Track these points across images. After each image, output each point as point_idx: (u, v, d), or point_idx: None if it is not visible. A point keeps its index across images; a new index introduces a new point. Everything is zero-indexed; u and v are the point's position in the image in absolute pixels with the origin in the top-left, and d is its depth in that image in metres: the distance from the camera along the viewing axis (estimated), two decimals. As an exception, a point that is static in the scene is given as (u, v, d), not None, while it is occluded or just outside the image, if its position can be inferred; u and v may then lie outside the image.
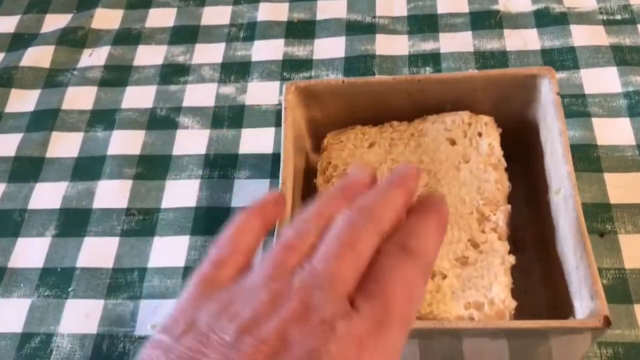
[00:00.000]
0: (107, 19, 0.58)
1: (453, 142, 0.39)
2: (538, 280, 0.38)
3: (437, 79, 0.39)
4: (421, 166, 0.38)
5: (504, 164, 0.38)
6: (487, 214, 0.36)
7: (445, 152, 0.38)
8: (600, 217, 0.42)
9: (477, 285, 0.33)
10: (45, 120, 0.52)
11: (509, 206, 0.36)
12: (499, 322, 0.31)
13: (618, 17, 0.51)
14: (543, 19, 0.52)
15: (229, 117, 0.50)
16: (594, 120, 0.46)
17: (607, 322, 0.29)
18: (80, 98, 0.53)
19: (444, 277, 0.34)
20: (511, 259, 0.34)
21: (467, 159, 0.38)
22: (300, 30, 0.55)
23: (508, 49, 0.51)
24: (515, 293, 0.37)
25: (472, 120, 0.39)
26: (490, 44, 0.51)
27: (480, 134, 0.39)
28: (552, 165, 0.36)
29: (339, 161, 0.39)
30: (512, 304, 0.33)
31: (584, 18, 0.52)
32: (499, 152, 0.38)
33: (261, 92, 0.51)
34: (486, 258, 0.34)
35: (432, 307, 0.33)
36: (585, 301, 0.31)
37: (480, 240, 0.35)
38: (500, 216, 0.36)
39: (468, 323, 0.31)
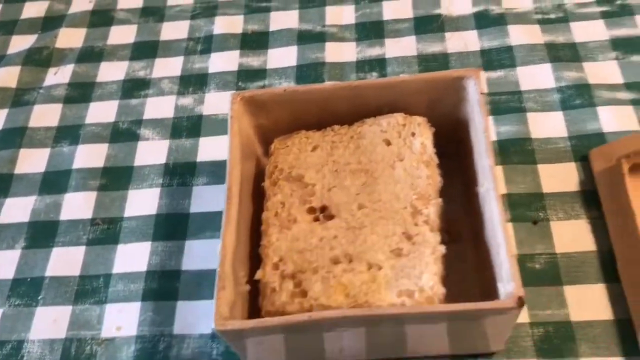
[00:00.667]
0: (70, 37, 0.61)
1: (388, 143, 0.41)
2: (473, 267, 0.41)
3: (372, 84, 0.42)
4: (359, 166, 0.41)
5: (435, 160, 0.40)
6: (419, 208, 0.39)
7: (382, 152, 0.41)
8: (533, 206, 0.44)
9: (409, 275, 0.36)
10: (13, 138, 0.54)
11: (440, 200, 0.39)
12: (423, 307, 0.34)
13: (552, 16, 0.54)
14: (482, 21, 0.55)
15: (187, 127, 0.53)
16: (529, 115, 0.49)
17: (521, 302, 0.32)
18: (46, 115, 0.55)
19: (380, 268, 0.36)
20: (441, 249, 0.37)
21: (401, 157, 0.41)
22: (255, 41, 0.57)
23: (449, 51, 0.53)
24: (452, 280, 0.39)
25: (406, 122, 0.42)
26: (433, 47, 0.54)
27: (413, 134, 0.41)
28: (477, 161, 0.39)
29: (285, 165, 0.42)
30: (441, 290, 0.35)
31: (521, 18, 0.54)
32: (430, 149, 0.41)
33: (218, 102, 0.54)
34: (418, 249, 0.37)
35: (367, 297, 0.35)
36: (505, 284, 0.34)
37: (413, 232, 0.38)
38: (431, 209, 0.38)
39: (396, 309, 0.34)
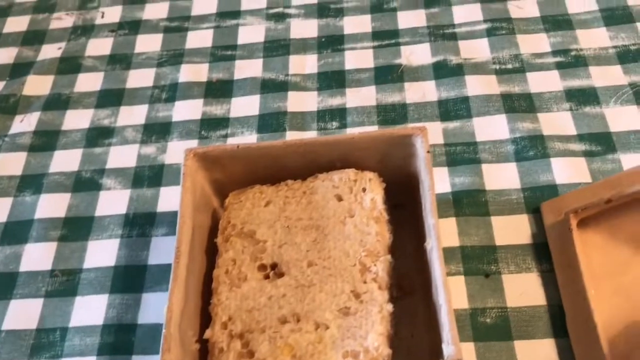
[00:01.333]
0: (38, 85, 0.61)
1: (340, 198, 0.42)
2: (423, 324, 0.41)
3: (323, 141, 0.43)
4: (310, 222, 0.41)
5: (385, 217, 0.41)
6: (368, 265, 0.39)
7: (333, 207, 0.42)
8: (486, 259, 0.45)
9: (355, 335, 0.36)
10: (-24, 187, 0.55)
11: (389, 256, 0.39)
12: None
13: (509, 66, 0.55)
14: (441, 71, 0.56)
15: (149, 176, 0.53)
16: (484, 166, 0.50)
17: (459, 366, 0.32)
18: (10, 164, 0.56)
19: (327, 328, 0.37)
20: (389, 307, 0.37)
21: (352, 213, 0.41)
22: (219, 89, 0.58)
23: (408, 101, 0.54)
24: (401, 337, 0.40)
25: (358, 177, 0.42)
26: (392, 97, 0.55)
27: (364, 190, 0.42)
28: (425, 218, 0.40)
29: (238, 220, 0.43)
30: (386, 351, 0.36)
31: (478, 68, 0.56)
32: (380, 205, 0.41)
33: (180, 151, 0.54)
34: (366, 307, 0.37)
35: (313, 358, 0.36)
36: (447, 345, 0.34)
37: (361, 290, 0.38)
38: (380, 266, 0.39)
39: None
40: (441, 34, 0.59)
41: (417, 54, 0.58)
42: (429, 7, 0.61)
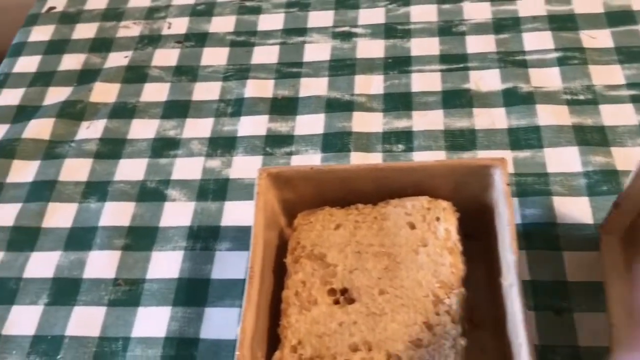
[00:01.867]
0: (104, 92, 0.62)
1: (413, 226, 0.41)
2: (493, 359, 0.40)
3: (398, 167, 0.42)
4: (382, 249, 0.41)
5: (459, 248, 0.40)
6: (441, 297, 0.38)
7: (405, 235, 0.41)
8: (556, 295, 0.44)
9: (427, 368, 0.36)
10: (42, 191, 0.55)
11: (463, 289, 0.39)
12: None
13: (581, 97, 0.54)
14: (511, 98, 0.55)
15: (214, 190, 0.53)
16: (555, 198, 0.48)
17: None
18: (76, 170, 0.57)
19: (399, 358, 0.36)
20: (462, 342, 0.37)
21: (425, 242, 0.41)
22: (284, 106, 0.58)
23: (477, 127, 0.54)
24: (471, 371, 0.39)
25: (431, 205, 0.42)
26: (460, 123, 0.54)
27: (438, 219, 0.41)
28: (502, 252, 0.39)
29: (307, 242, 0.42)
30: (459, 386, 0.35)
31: (549, 98, 0.55)
32: (455, 236, 0.41)
33: (244, 166, 0.55)
34: (438, 341, 0.37)
35: (384, 389, 0.35)
36: (527, 386, 0.33)
37: (434, 322, 0.38)
38: (454, 299, 0.38)
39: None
40: (511, 60, 0.58)
41: (486, 80, 0.57)
42: (499, 33, 0.60)
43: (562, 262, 0.45)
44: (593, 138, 0.51)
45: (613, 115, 0.53)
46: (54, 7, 0.72)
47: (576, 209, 0.48)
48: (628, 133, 0.52)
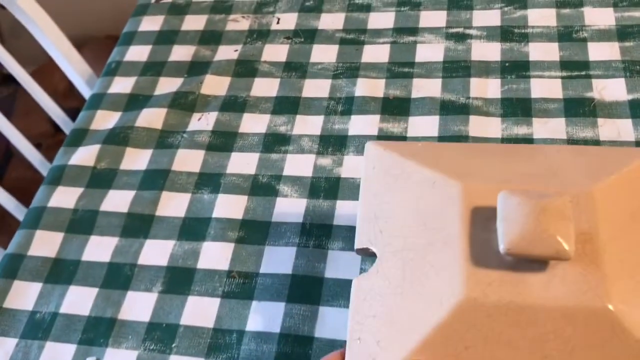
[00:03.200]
0: (215, 85, 0.63)
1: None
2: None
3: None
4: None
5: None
6: None
7: None
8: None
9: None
10: (156, 179, 0.56)
11: None
12: None
13: None
14: (638, 110, 0.53)
15: (325, 188, 0.53)
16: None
17: None
18: (189, 160, 0.57)
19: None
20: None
21: None
22: (395, 107, 0.57)
23: (602, 138, 0.52)
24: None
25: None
26: (584, 132, 0.52)
27: None
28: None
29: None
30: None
31: (681, 110, 0.52)
32: None
33: (356, 165, 0.54)
34: None
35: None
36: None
37: None
38: None
39: None
40: (637, 70, 0.55)
41: (611, 89, 0.55)
42: (623, 41, 0.58)
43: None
44: None
45: None
46: (163, -1, 0.74)
47: None
48: None
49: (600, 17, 0.60)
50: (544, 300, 0.32)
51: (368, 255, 0.39)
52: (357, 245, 0.38)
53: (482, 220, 0.35)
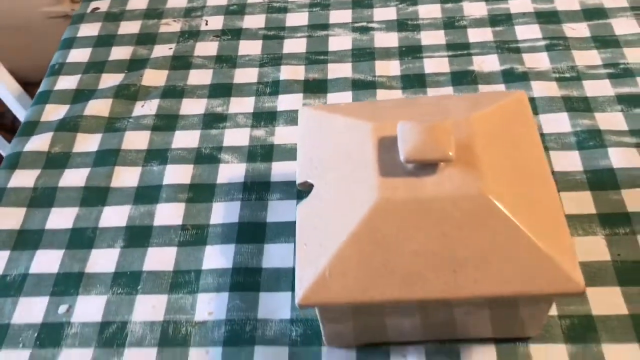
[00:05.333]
0: (154, 78, 0.71)
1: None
2: None
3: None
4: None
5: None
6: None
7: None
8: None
9: None
10: (108, 157, 0.63)
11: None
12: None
13: (567, 75, 0.65)
14: (509, 77, 0.66)
15: (261, 153, 0.62)
16: (551, 152, 0.59)
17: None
18: (136, 140, 0.65)
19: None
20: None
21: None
22: (315, 87, 0.68)
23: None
24: None
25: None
26: (468, 96, 0.64)
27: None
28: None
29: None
30: None
31: (541, 76, 0.65)
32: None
33: (287, 134, 0.64)
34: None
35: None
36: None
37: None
38: None
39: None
40: (506, 47, 0.69)
41: (488, 63, 0.68)
42: (495, 26, 0.71)
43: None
44: (579, 106, 0.62)
45: (594, 88, 0.64)
46: (97, 8, 0.81)
47: (568, 160, 0.58)
48: (607, 102, 0.62)
49: (476, 9, 0.73)
50: (437, 193, 0.42)
51: (306, 188, 0.48)
52: (298, 181, 0.47)
53: (388, 146, 0.45)
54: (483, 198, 0.41)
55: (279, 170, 0.61)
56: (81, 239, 0.57)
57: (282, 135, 0.64)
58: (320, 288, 0.42)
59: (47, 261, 0.56)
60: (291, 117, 0.65)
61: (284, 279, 0.53)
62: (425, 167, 0.43)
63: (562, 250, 0.41)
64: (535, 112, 0.62)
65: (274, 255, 0.54)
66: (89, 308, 0.53)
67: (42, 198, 0.61)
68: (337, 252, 0.42)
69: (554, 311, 0.49)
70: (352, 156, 0.46)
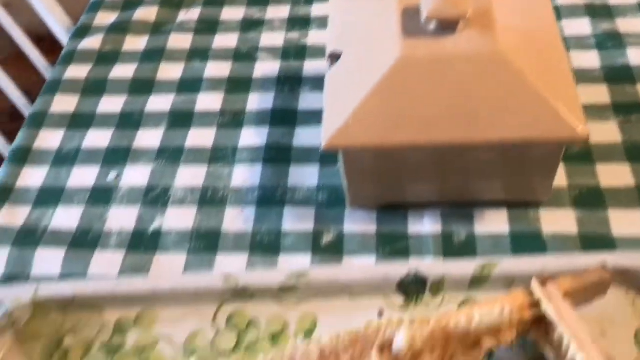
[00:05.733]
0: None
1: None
2: None
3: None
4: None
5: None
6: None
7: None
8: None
9: None
10: (154, 55, 0.68)
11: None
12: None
13: (590, -13, 0.68)
14: None
15: (295, 53, 0.67)
16: (570, 53, 0.62)
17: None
18: (180, 42, 0.70)
19: None
20: None
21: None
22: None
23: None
24: None
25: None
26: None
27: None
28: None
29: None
30: None
31: None
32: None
33: (319, 37, 0.68)
34: None
35: None
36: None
37: None
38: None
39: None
40: None
41: None
42: None
43: (576, 91, 0.58)
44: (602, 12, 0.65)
45: None
46: None
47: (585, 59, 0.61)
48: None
49: None
50: (455, 52, 0.46)
51: (337, 59, 0.52)
52: (328, 50, 0.51)
53: (411, 12, 0.49)
54: (497, 55, 0.45)
55: (311, 67, 0.65)
56: (129, 121, 0.63)
57: (314, 37, 0.68)
58: (343, 134, 0.46)
59: (98, 139, 0.61)
60: (324, 23, 0.69)
61: (314, 155, 0.57)
62: (445, 28, 0.47)
63: (568, 102, 0.44)
64: (559, 17, 0.65)
65: (305, 137, 0.59)
66: (135, 176, 0.58)
67: (94, 87, 0.66)
68: (360, 104, 0.46)
69: (563, 181, 0.52)
70: (378, 23, 0.50)
